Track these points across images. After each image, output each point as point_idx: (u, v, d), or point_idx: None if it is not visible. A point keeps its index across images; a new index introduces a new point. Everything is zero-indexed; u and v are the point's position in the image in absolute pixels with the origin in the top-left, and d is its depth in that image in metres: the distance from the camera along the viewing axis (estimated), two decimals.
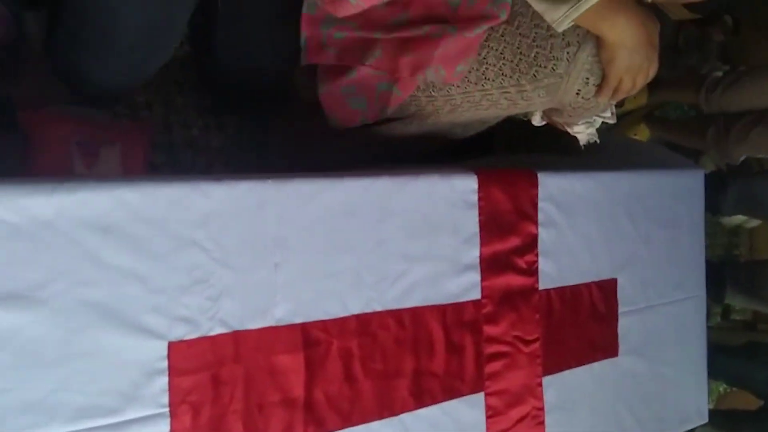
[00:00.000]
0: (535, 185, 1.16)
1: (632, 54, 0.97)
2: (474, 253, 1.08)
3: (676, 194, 1.42)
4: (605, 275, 1.28)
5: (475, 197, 1.08)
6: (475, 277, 1.09)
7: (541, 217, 1.17)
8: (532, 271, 1.16)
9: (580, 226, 1.23)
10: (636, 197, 1.32)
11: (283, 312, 0.88)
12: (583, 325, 1.24)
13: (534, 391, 1.16)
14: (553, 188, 1.18)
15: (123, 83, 0.97)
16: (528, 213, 1.15)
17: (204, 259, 0.82)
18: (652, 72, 1.02)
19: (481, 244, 1.09)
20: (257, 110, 1.18)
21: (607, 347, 1.29)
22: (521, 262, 1.14)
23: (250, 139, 1.22)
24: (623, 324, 1.30)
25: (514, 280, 1.13)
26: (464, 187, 1.07)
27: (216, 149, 1.18)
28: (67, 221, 0.73)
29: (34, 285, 0.70)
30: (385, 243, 0.98)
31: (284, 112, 1.22)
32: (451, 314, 1.05)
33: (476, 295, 1.09)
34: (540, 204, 1.16)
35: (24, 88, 0.99)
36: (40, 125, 0.97)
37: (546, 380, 1.17)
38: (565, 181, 1.20)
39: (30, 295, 0.70)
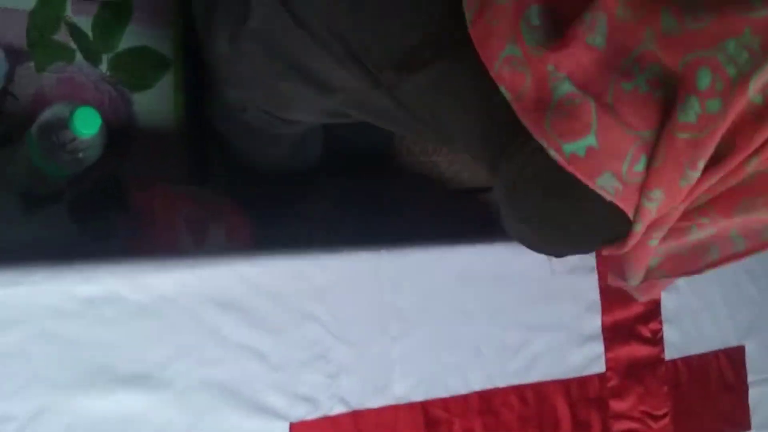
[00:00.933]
0: None
1: None
2: (596, 322, 1.02)
3: None
4: (732, 342, 1.19)
5: (594, 261, 1.02)
6: (599, 347, 1.02)
7: None
8: (657, 340, 1.08)
9: (701, 290, 1.15)
10: (757, 257, 1.24)
11: (402, 389, 0.84)
12: (712, 397, 1.14)
13: None
14: None
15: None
16: None
17: (322, 334, 0.79)
18: None
19: (603, 312, 1.02)
20: (359, 177, 1.17)
21: (739, 420, 1.18)
22: (645, 331, 1.07)
23: (352, 207, 1.20)
24: (754, 394, 1.20)
25: (639, 351, 1.06)
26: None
27: (317, 220, 1.16)
28: (189, 297, 0.71)
29: (159, 365, 0.68)
30: (504, 312, 0.93)
31: (384, 177, 1.20)
32: (575, 389, 0.98)
33: (600, 367, 1.01)
34: None
35: (133, 167, 0.99)
36: (150, 204, 0.96)
37: None
38: None
39: (156, 376, 0.67)
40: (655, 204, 0.59)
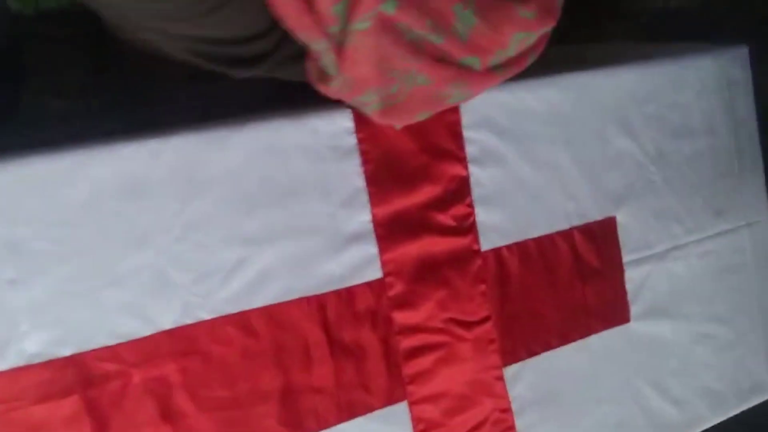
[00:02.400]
0: (455, 109, 0.83)
1: None
2: (362, 217, 0.79)
3: (701, 85, 1.02)
4: (594, 215, 0.93)
5: (354, 139, 0.78)
6: (370, 249, 0.79)
7: (470, 151, 0.84)
8: (467, 227, 0.84)
9: (541, 153, 0.89)
10: (631, 102, 0.96)
11: (38, 345, 0.64)
12: (566, 288, 0.91)
13: (491, 387, 0.85)
14: (486, 108, 0.85)
15: None
16: (448, 149, 0.83)
17: None
18: None
19: (373, 204, 0.79)
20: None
21: (612, 312, 0.95)
22: (446, 219, 0.83)
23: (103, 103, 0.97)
24: (633, 277, 0.96)
25: (437, 245, 0.82)
26: (332, 127, 0.78)
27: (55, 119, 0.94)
28: None
29: None
30: (204, 225, 0.71)
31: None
32: (334, 305, 0.77)
33: (375, 273, 0.79)
34: (466, 134, 0.84)
35: None
36: None
37: (510, 371, 0.86)
38: (505, 94, 0.86)
39: None
40: None
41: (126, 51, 0.90)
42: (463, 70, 0.70)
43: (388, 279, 0.80)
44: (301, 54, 0.70)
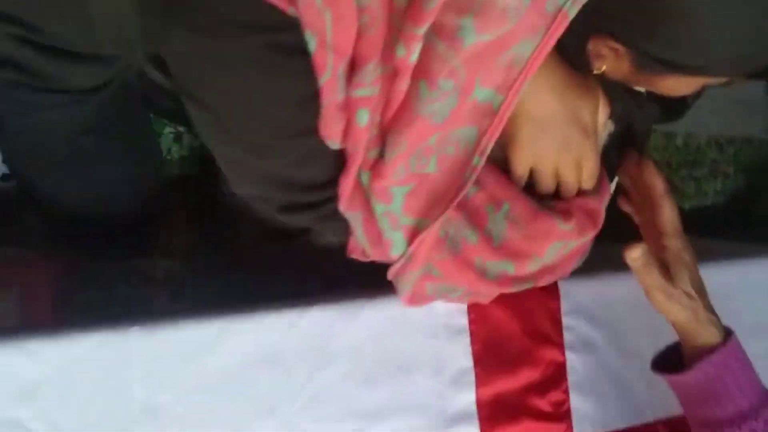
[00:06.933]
0: (556, 296, 0.86)
1: (543, 131, 0.65)
2: (467, 398, 0.80)
3: None
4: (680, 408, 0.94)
5: (465, 320, 0.80)
6: (472, 431, 0.79)
7: (568, 338, 0.87)
8: (562, 414, 0.85)
9: (626, 341, 0.91)
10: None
11: None
12: None
13: None
14: (582, 296, 0.88)
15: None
16: (547, 334, 0.85)
17: None
18: (588, 163, 0.68)
19: (478, 384, 0.80)
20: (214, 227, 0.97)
21: None
22: (543, 404, 0.84)
23: (208, 265, 1.00)
24: None
25: (534, 430, 0.83)
26: (448, 306, 0.80)
27: (161, 279, 0.97)
28: None
29: None
30: (325, 397, 0.72)
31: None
32: None
33: None
34: (565, 321, 0.87)
35: None
36: None
37: None
38: (598, 283, 0.90)
39: None
40: None
41: (230, 213, 0.95)
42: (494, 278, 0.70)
43: None
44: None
